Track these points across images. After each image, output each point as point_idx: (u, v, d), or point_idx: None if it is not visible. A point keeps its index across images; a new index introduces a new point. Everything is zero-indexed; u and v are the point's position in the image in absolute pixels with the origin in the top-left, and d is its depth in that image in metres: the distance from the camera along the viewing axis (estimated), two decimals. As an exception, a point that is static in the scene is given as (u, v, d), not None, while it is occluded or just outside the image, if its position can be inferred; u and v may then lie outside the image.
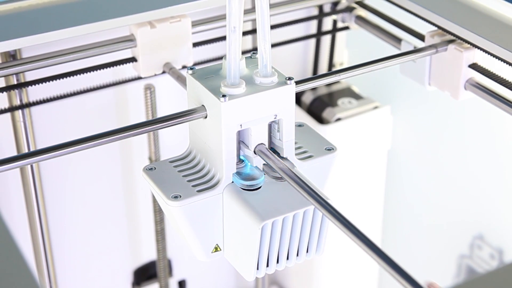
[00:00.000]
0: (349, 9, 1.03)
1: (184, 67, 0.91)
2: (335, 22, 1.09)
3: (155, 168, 0.72)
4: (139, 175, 1.08)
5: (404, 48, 0.93)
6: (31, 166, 0.98)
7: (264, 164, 0.70)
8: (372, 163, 1.20)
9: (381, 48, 1.00)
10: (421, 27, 0.93)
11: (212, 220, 0.70)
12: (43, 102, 0.89)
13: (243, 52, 0.71)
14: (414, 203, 1.23)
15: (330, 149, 0.75)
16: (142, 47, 0.88)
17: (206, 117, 0.69)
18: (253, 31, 1.00)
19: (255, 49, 0.71)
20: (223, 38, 0.95)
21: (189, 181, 0.70)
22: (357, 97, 1.17)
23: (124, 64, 0.91)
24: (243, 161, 0.70)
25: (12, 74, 0.88)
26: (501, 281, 0.45)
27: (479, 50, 0.85)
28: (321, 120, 1.15)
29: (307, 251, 0.72)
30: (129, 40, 0.89)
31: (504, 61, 0.81)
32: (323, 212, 0.60)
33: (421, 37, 0.93)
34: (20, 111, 0.94)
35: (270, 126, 0.70)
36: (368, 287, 1.31)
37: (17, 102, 0.92)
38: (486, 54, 0.84)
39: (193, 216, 0.69)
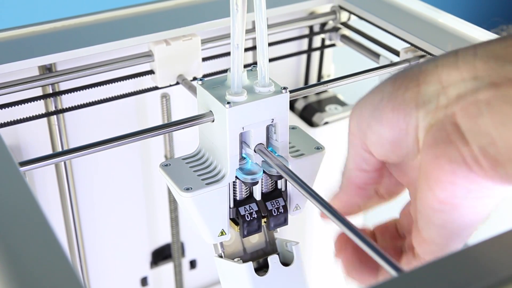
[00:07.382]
0: (335, 29, 1.03)
1: (194, 78, 0.91)
2: (323, 40, 1.09)
3: (170, 165, 0.72)
4: (156, 171, 1.08)
5: (382, 62, 0.93)
6: (64, 163, 0.98)
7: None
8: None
9: (362, 62, 1.00)
10: (397, 44, 0.93)
11: (219, 208, 0.71)
12: (75, 108, 0.89)
13: (245, 66, 0.70)
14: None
15: (319, 148, 0.75)
16: (159, 61, 0.88)
17: (213, 121, 0.69)
18: (253, 48, 1.00)
19: (255, 63, 0.71)
20: (227, 53, 0.95)
21: (199, 175, 0.70)
22: (342, 104, 1.17)
23: (143, 76, 0.91)
24: (244, 158, 0.70)
25: (48, 85, 0.88)
26: (464, 260, 0.46)
27: (445, 64, 0.85)
28: (311, 124, 1.15)
29: None
30: (148, 55, 0.89)
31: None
32: (310, 199, 0.60)
33: (396, 53, 0.93)
34: (55, 116, 0.94)
35: (268, 128, 0.70)
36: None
37: (52, 108, 0.92)
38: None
39: (202, 205, 0.69)
